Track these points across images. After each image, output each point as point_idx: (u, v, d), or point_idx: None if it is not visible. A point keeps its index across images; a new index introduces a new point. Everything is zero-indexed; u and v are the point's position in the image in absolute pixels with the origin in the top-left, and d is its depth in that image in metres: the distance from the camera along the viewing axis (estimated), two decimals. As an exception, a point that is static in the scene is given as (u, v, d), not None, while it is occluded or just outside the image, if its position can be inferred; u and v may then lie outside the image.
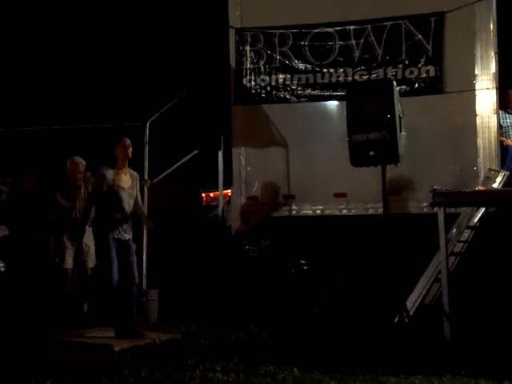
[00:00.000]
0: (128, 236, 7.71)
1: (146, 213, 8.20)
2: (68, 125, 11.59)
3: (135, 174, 7.97)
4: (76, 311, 8.35)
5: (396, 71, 8.52)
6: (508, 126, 8.93)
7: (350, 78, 8.71)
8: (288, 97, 8.96)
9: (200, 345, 7.09)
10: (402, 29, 8.53)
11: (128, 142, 7.76)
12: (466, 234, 7.68)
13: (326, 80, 8.83)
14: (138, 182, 8.03)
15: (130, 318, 7.51)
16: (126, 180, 7.75)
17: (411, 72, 8.48)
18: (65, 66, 15.06)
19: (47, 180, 9.16)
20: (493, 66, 8.24)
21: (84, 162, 8.53)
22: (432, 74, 8.42)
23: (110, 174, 7.64)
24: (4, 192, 10.31)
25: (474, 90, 8.29)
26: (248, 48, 9.10)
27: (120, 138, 7.79)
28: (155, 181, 9.45)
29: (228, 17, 9.21)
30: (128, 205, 7.69)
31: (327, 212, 8.77)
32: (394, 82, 7.26)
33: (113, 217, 7.62)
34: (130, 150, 7.75)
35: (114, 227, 7.60)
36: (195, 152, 9.82)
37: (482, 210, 7.72)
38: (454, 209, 7.59)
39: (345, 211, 8.71)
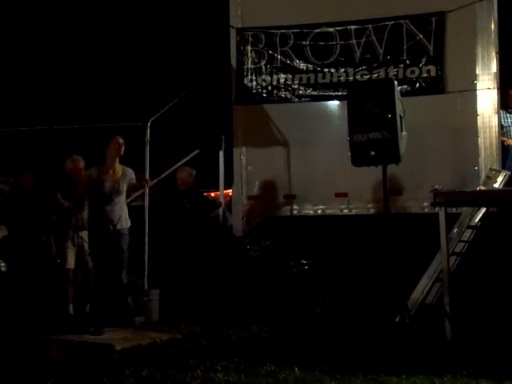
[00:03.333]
0: (119, 227, 7.81)
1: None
2: (69, 124, 11.59)
3: (129, 170, 8.09)
4: (78, 311, 8.36)
5: (397, 71, 8.52)
6: (509, 126, 8.94)
7: (351, 78, 8.71)
8: (289, 97, 8.96)
9: (201, 344, 7.09)
10: (403, 28, 8.52)
11: (120, 140, 7.91)
12: (467, 234, 7.68)
13: (327, 80, 8.82)
14: (132, 177, 8.12)
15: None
16: (114, 176, 7.89)
17: (412, 72, 8.48)
18: (65, 66, 15.05)
19: (46, 180, 9.16)
20: (494, 66, 8.24)
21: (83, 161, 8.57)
22: (433, 73, 8.42)
23: (94, 170, 7.95)
24: (5, 192, 10.31)
25: (475, 89, 8.28)
26: (249, 48, 9.10)
27: (113, 136, 7.89)
28: (156, 180, 9.45)
29: (229, 17, 9.21)
30: (112, 198, 7.79)
31: (328, 212, 8.76)
32: (395, 82, 7.26)
33: (97, 210, 7.81)
34: (122, 148, 7.88)
35: (99, 220, 7.78)
36: (196, 152, 9.82)
37: (483, 209, 7.72)
38: (455, 209, 7.59)
39: (346, 211, 8.70)
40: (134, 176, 8.12)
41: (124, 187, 7.92)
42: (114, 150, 7.86)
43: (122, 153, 7.91)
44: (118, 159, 7.92)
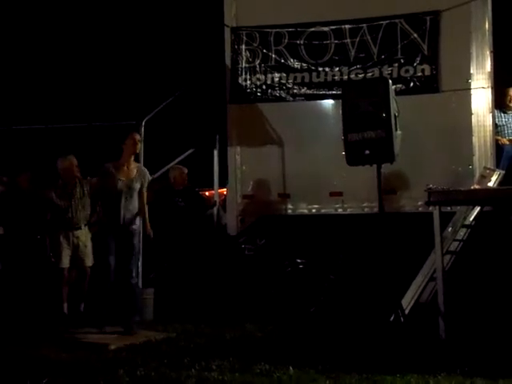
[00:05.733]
0: (131, 226, 7.76)
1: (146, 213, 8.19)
2: (63, 123, 11.56)
3: (144, 169, 8.04)
4: (73, 310, 8.35)
5: (391, 70, 8.54)
6: (503, 125, 8.96)
7: (345, 77, 8.72)
8: (284, 96, 8.97)
9: (195, 344, 7.08)
10: (398, 28, 8.54)
11: (138, 137, 7.95)
12: (462, 233, 7.69)
13: (321, 79, 8.84)
14: (147, 176, 8.05)
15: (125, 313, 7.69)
16: (128, 173, 7.83)
17: (407, 71, 8.50)
18: (60, 65, 15.02)
19: (41, 179, 9.14)
20: (488, 65, 8.26)
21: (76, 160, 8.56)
22: (427, 72, 8.44)
23: (109, 166, 7.84)
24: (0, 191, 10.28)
25: (470, 88, 8.31)
26: (243, 47, 9.10)
27: (130, 133, 7.89)
28: (151, 179, 9.44)
29: (223, 16, 9.21)
30: (126, 196, 7.74)
31: (323, 211, 8.78)
32: (390, 81, 7.26)
33: (110, 207, 7.76)
34: (138, 145, 7.92)
35: (112, 217, 7.71)
36: (190, 151, 9.81)
37: (478, 208, 7.73)
38: (449, 207, 7.60)
39: (340, 210, 8.72)
40: (148, 175, 8.08)
41: (137, 186, 7.84)
42: (130, 146, 7.81)
43: (138, 150, 7.95)
44: (133, 156, 7.90)
